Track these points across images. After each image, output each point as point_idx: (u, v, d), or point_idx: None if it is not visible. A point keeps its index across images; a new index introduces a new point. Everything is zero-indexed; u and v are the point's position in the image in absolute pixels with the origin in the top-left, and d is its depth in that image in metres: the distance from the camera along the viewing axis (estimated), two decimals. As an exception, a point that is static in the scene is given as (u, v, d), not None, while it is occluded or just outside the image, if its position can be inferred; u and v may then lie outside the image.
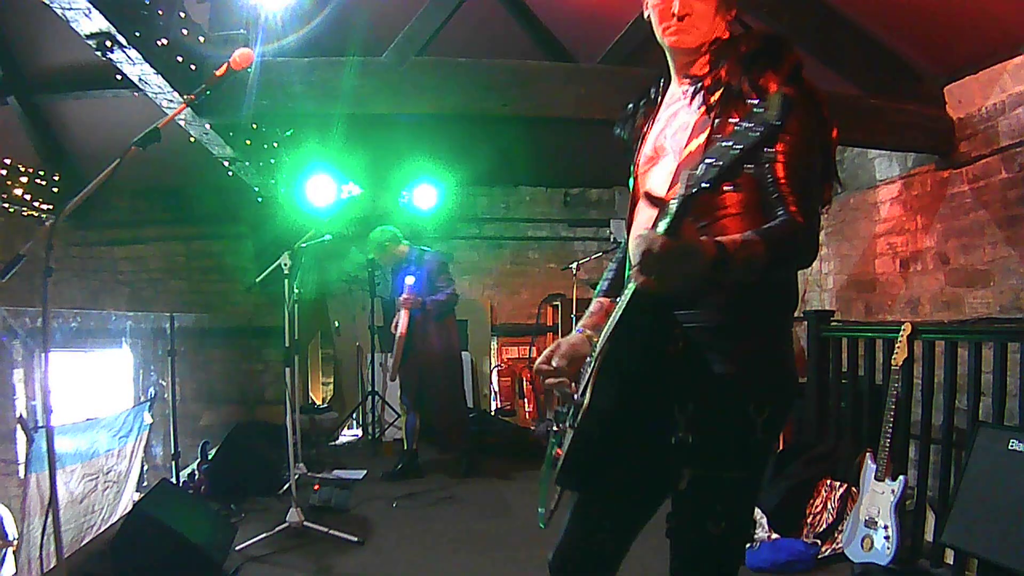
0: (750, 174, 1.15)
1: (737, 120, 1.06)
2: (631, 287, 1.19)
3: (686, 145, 1.28)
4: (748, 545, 2.98)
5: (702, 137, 1.23)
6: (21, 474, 2.46)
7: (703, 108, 1.30)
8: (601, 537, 1.39)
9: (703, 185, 1.02)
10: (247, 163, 3.97)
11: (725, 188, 1.05)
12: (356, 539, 3.27)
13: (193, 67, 2.90)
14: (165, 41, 2.70)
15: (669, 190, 1.22)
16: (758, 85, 1.22)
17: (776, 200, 1.21)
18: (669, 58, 1.44)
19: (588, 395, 1.24)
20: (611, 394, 1.24)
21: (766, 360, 1.26)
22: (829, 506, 3.13)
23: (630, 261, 1.22)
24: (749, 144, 1.00)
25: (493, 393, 6.72)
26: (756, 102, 1.05)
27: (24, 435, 2.46)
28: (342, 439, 6.09)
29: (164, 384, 3.96)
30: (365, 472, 4.69)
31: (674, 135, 1.36)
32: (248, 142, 3.81)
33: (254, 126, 3.75)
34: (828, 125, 1.29)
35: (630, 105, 1.55)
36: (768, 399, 1.24)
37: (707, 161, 1.03)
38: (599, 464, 1.32)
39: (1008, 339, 2.80)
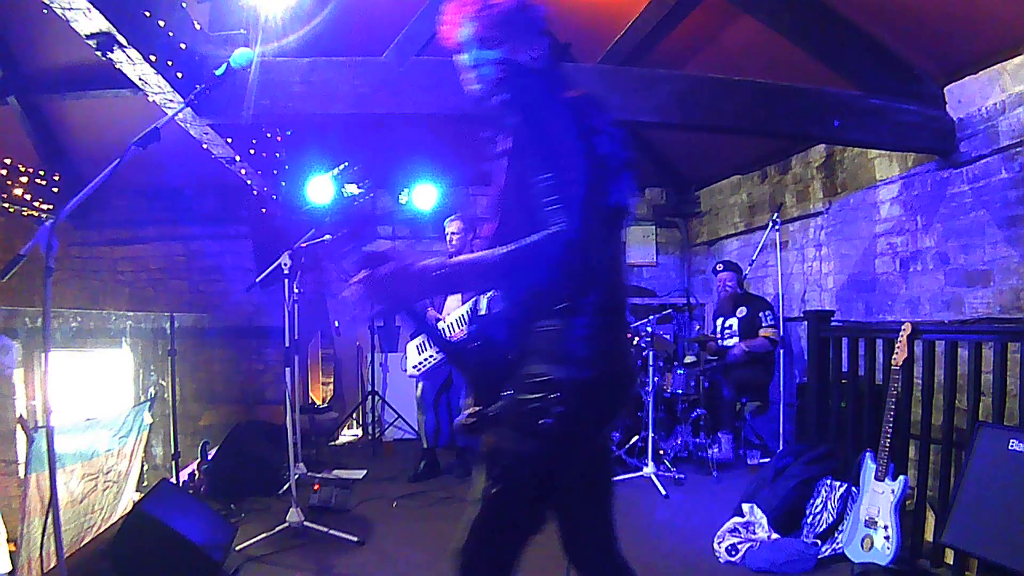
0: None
1: None
2: None
3: None
4: (750, 545, 3.02)
5: None
6: (21, 474, 2.46)
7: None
8: None
9: None
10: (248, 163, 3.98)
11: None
12: (356, 539, 3.27)
13: (193, 67, 2.90)
14: (165, 41, 2.71)
15: None
16: None
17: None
18: None
19: None
20: None
21: None
22: (829, 506, 3.13)
23: None
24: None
25: (493, 393, 6.70)
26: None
27: (24, 435, 2.46)
28: (342, 439, 6.09)
29: (164, 384, 3.95)
30: (365, 472, 4.69)
31: None
32: (255, 141, 3.82)
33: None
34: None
35: None
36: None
37: None
38: None
39: (1008, 339, 2.80)
